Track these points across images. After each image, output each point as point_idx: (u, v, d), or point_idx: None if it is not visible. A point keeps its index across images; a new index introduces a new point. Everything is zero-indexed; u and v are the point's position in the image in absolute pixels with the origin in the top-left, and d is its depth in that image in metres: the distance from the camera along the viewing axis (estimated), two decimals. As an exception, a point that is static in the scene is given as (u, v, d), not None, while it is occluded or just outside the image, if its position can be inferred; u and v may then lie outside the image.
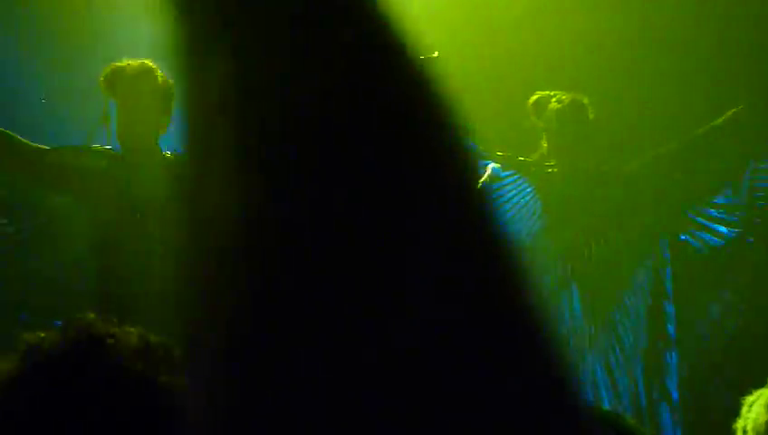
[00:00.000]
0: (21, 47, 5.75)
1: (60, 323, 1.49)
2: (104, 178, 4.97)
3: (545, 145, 5.54)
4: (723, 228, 5.60)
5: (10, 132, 4.94)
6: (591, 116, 5.46)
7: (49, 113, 5.37)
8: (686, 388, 5.48)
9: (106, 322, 1.47)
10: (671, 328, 5.53)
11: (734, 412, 2.51)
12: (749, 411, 2.44)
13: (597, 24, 5.90)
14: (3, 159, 4.96)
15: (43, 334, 1.41)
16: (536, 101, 5.47)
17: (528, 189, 5.59)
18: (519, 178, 5.58)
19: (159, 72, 4.92)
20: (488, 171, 5.05)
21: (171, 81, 4.93)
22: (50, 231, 5.13)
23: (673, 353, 5.52)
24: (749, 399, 2.47)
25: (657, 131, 5.65)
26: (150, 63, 4.93)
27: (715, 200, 5.61)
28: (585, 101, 5.45)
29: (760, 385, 2.51)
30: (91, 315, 1.48)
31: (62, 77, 5.74)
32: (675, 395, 5.47)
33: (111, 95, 4.94)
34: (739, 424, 2.44)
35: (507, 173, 5.46)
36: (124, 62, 4.93)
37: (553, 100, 5.44)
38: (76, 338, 1.40)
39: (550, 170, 5.55)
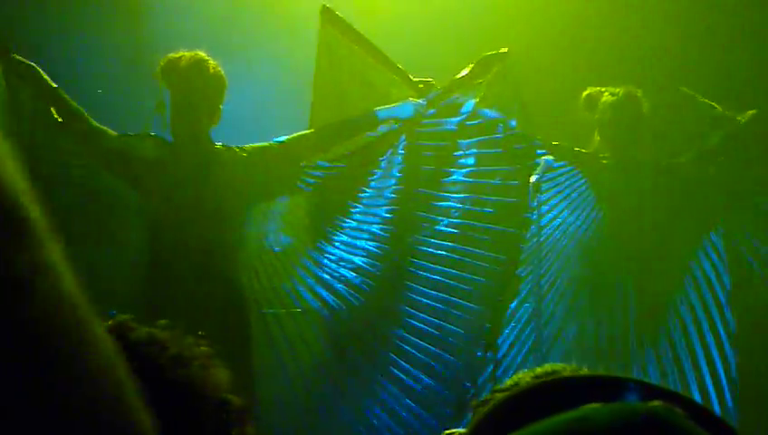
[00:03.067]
0: (84, 34, 5.82)
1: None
2: (156, 167, 5.04)
3: (597, 139, 5.55)
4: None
5: (82, 110, 5.03)
6: (645, 108, 5.46)
7: (106, 101, 5.42)
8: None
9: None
10: (727, 320, 5.49)
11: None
12: None
13: (648, 19, 5.91)
14: (75, 133, 5.03)
15: None
16: (589, 96, 5.52)
17: (582, 181, 5.59)
18: (573, 169, 5.57)
19: (212, 63, 4.98)
20: (542, 163, 5.07)
21: (223, 72, 5.00)
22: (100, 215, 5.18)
23: (726, 347, 5.47)
24: None
25: (707, 123, 5.63)
26: (204, 55, 4.99)
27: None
28: (639, 93, 5.46)
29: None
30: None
31: (122, 66, 5.80)
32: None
33: (166, 86, 5.00)
34: None
35: (561, 164, 5.46)
36: (179, 54, 4.99)
37: (606, 93, 5.46)
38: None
39: (605, 162, 5.55)
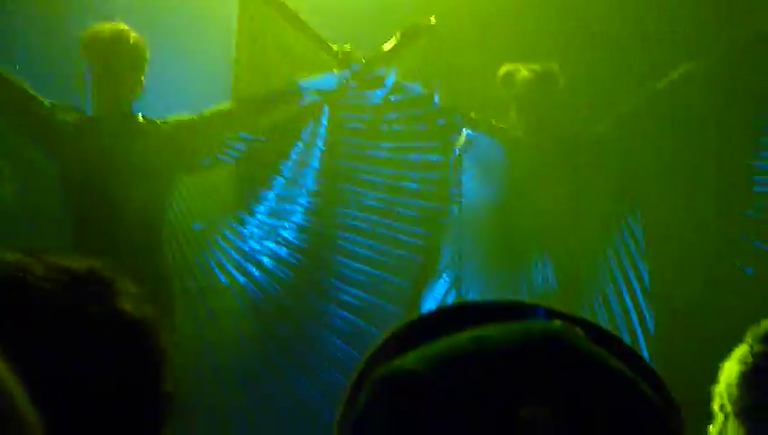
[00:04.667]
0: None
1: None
2: (77, 138, 4.99)
3: (513, 115, 5.58)
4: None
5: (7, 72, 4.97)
6: (561, 83, 5.51)
7: (27, 73, 5.34)
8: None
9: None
10: (645, 289, 5.57)
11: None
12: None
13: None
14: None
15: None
16: (506, 73, 5.53)
17: (500, 152, 5.63)
18: (492, 140, 5.61)
19: (133, 35, 4.94)
20: (462, 137, 5.11)
21: (144, 44, 4.96)
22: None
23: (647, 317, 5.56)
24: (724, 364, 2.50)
25: (628, 94, 5.69)
26: (124, 27, 4.95)
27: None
28: (555, 69, 5.51)
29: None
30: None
31: (42, 36, 5.71)
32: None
33: (87, 59, 4.95)
34: (717, 389, 2.46)
35: (480, 135, 5.50)
36: (99, 27, 4.95)
37: (523, 69, 5.50)
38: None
39: (521, 135, 5.59)
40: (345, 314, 5.31)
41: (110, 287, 1.41)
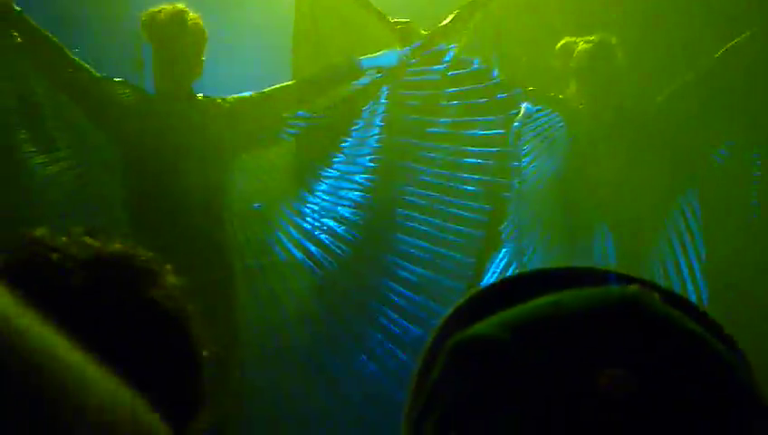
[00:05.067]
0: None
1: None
2: (137, 116, 5.03)
3: (573, 88, 5.57)
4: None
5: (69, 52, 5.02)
6: (620, 56, 5.49)
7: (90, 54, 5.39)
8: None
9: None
10: (702, 262, 5.54)
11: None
12: None
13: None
14: (58, 74, 5.02)
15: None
16: (563, 46, 5.54)
17: (560, 124, 5.62)
18: (550, 112, 5.59)
19: (192, 15, 4.97)
20: (522, 110, 5.09)
21: (202, 24, 4.98)
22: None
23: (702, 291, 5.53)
24: None
25: (687, 67, 5.65)
26: (183, 7, 4.98)
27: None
28: (613, 40, 5.49)
29: None
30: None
31: (105, 20, 5.76)
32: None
33: (148, 40, 4.99)
34: None
35: (538, 108, 5.48)
36: (158, 8, 4.98)
37: (581, 42, 5.49)
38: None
39: (581, 107, 5.58)
40: (404, 290, 5.31)
41: (139, 274, 1.35)
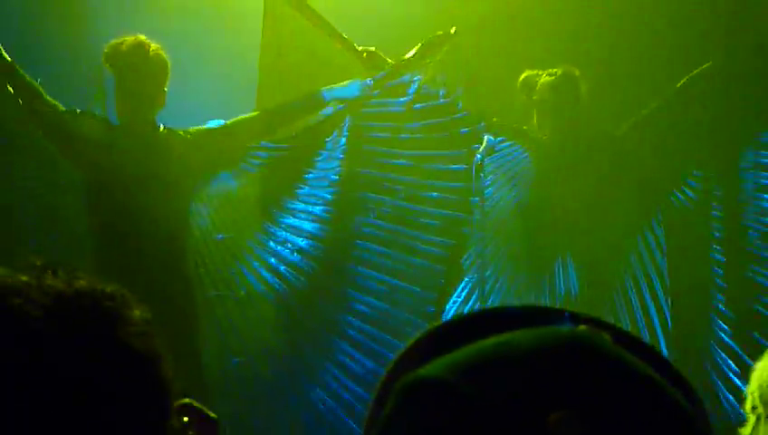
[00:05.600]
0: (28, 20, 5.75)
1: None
2: (100, 147, 5.02)
3: (535, 120, 5.60)
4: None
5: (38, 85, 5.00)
6: (583, 88, 5.53)
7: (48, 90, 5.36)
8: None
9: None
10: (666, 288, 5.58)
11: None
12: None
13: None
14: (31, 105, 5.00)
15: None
16: (526, 78, 5.58)
17: (524, 156, 5.65)
18: (514, 144, 5.62)
19: (154, 46, 4.97)
20: (484, 142, 5.11)
21: (165, 56, 4.98)
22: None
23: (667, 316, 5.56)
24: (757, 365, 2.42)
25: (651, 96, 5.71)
26: (144, 39, 4.97)
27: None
28: (576, 73, 5.53)
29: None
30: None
31: (66, 54, 5.73)
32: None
33: (110, 71, 4.99)
34: (749, 390, 2.40)
35: (501, 139, 5.49)
36: (120, 39, 4.98)
37: (544, 74, 5.52)
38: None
39: (544, 138, 5.61)
40: (362, 323, 5.30)
41: (107, 313, 1.30)
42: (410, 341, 1.02)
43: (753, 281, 5.54)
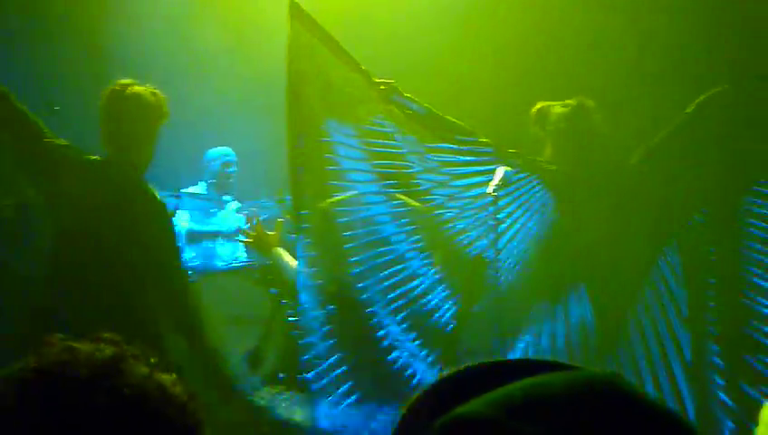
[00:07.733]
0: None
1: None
2: (81, 180, 5.00)
3: (549, 151, 5.60)
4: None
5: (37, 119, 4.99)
6: (597, 118, 5.54)
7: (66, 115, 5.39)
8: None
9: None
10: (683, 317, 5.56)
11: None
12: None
13: (601, 24, 6.00)
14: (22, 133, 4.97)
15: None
16: (540, 110, 5.57)
17: (539, 186, 5.64)
18: (528, 175, 5.62)
19: (149, 93, 5.02)
20: (500, 174, 5.12)
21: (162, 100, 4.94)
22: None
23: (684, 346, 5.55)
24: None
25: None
26: (140, 87, 5.01)
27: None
28: (591, 104, 5.53)
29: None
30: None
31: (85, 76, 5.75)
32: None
33: (103, 117, 5.04)
34: (758, 431, 2.40)
35: (516, 171, 5.48)
36: (113, 85, 5.03)
37: (557, 105, 5.53)
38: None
39: (557, 169, 5.60)
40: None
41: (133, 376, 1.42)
42: (431, 384, 1.05)
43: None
